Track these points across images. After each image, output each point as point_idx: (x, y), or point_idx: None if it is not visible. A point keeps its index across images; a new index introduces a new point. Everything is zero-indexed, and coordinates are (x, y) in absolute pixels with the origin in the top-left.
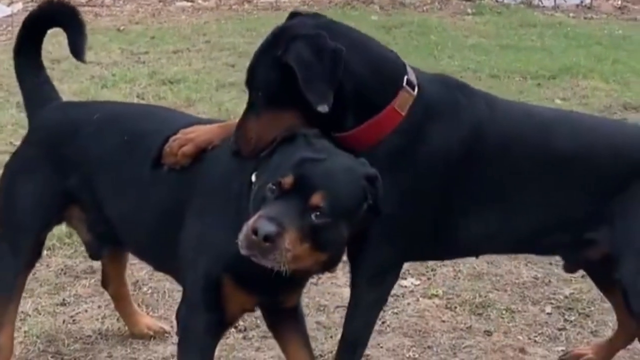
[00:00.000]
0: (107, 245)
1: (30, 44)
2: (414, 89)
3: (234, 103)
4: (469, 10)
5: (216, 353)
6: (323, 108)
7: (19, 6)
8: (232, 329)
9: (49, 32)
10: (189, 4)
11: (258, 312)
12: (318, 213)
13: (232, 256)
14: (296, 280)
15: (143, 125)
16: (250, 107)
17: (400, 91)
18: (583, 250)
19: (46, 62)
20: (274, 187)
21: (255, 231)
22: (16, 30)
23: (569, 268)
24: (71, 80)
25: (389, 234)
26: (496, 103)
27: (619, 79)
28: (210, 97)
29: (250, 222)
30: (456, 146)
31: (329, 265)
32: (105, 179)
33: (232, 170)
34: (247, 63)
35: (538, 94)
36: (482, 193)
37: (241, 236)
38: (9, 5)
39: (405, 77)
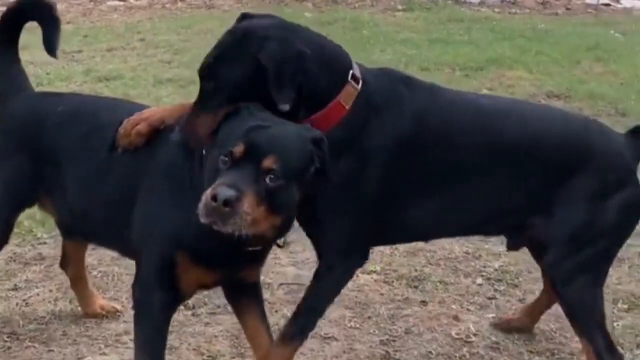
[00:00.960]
0: (73, 236)
1: (8, 37)
2: (358, 83)
3: (172, 98)
4: (400, 7)
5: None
6: (285, 107)
7: None
8: (181, 307)
9: None
10: (121, 3)
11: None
12: (272, 176)
13: (187, 233)
14: (255, 254)
15: (105, 117)
16: (203, 101)
17: (345, 86)
18: (526, 232)
19: None
20: (226, 158)
21: (214, 197)
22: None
23: (512, 246)
24: None
25: (345, 215)
26: (441, 94)
27: (542, 70)
28: (148, 93)
29: (209, 190)
30: (398, 137)
31: (283, 230)
32: (68, 170)
33: (182, 148)
34: (184, 60)
35: (467, 85)
36: (428, 181)
37: (201, 205)
38: None
39: (351, 72)
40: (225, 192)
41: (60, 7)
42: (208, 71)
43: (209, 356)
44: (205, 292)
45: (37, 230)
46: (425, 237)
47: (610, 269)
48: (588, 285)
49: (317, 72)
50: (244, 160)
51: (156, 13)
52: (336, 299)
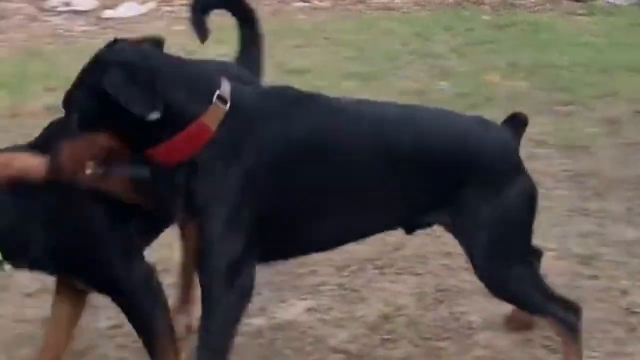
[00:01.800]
0: None
1: None
2: (226, 104)
3: (359, 90)
4: (580, 11)
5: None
6: (155, 115)
7: (151, 5)
8: (370, 266)
9: None
10: (307, 4)
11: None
12: None
13: None
14: None
15: None
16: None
17: (210, 106)
18: (424, 225)
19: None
20: None
21: None
22: (145, 29)
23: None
24: None
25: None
26: (339, 112)
27: None
28: (336, 85)
29: None
30: (278, 153)
31: None
32: None
33: None
34: (367, 57)
35: None
36: (320, 194)
37: None
38: (142, 3)
39: (217, 93)
40: None
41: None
42: (65, 102)
43: (395, 308)
44: (391, 255)
45: None
46: (324, 249)
47: None
48: (519, 275)
49: (174, 91)
50: None
51: (339, 14)
52: None
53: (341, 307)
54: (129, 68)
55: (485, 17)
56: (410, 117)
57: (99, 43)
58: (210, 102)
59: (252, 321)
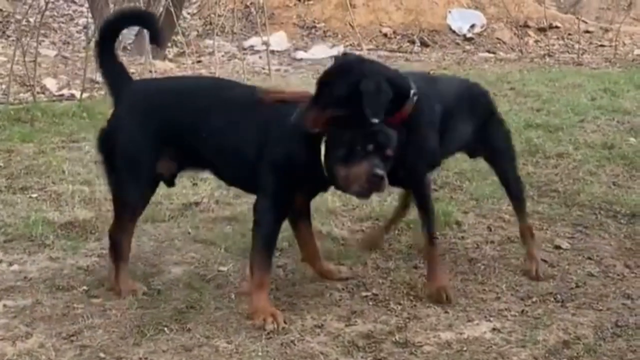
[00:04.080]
0: None
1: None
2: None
3: (542, 140)
4: None
5: None
6: (375, 121)
7: (340, 48)
8: (552, 299)
9: None
10: (492, 55)
11: None
12: (390, 161)
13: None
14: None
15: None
16: (316, 102)
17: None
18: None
19: None
20: (360, 148)
21: (376, 175)
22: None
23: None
24: None
25: None
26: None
27: None
28: (520, 133)
29: (367, 167)
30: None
31: None
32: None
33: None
34: (552, 109)
35: None
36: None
37: (356, 175)
38: (332, 47)
39: (412, 91)
40: (381, 172)
41: (436, 55)
42: (320, 85)
43: (574, 336)
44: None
45: None
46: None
47: None
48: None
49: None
50: (375, 151)
51: (525, 66)
52: None
53: (523, 330)
54: (376, 83)
55: None
56: None
57: (291, 80)
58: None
59: (439, 334)
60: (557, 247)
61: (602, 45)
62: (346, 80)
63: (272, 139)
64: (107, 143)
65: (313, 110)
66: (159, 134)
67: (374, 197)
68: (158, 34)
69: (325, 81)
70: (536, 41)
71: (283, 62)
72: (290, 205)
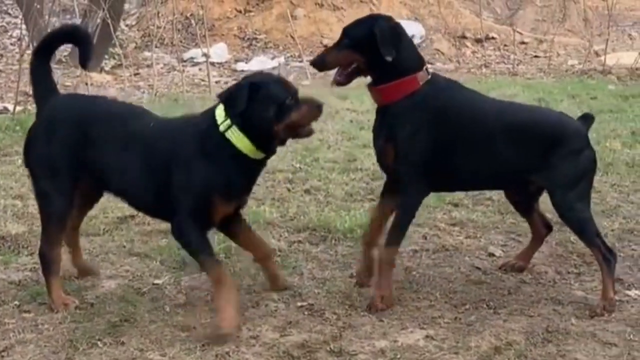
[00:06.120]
0: None
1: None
2: (428, 74)
3: None
4: None
5: None
6: (389, 58)
7: (281, 60)
8: (484, 306)
9: None
10: (430, 65)
11: None
12: None
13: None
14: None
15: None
16: (338, 45)
17: (421, 72)
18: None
19: None
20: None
21: (320, 107)
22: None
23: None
24: None
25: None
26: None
27: None
28: None
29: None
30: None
31: None
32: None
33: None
34: None
35: None
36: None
37: (305, 112)
38: (272, 58)
39: (426, 66)
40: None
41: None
42: (345, 32)
43: (506, 342)
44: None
45: None
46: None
47: None
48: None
49: (407, 52)
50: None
51: (461, 76)
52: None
53: (456, 337)
54: (390, 24)
55: (610, 87)
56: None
57: None
58: (422, 69)
59: (374, 342)
60: (491, 255)
61: (536, 56)
62: (363, 23)
63: (181, 159)
64: (28, 154)
65: (332, 53)
66: (74, 147)
67: (312, 208)
68: (88, 57)
69: (346, 28)
70: (473, 52)
71: (223, 73)
72: (211, 219)
